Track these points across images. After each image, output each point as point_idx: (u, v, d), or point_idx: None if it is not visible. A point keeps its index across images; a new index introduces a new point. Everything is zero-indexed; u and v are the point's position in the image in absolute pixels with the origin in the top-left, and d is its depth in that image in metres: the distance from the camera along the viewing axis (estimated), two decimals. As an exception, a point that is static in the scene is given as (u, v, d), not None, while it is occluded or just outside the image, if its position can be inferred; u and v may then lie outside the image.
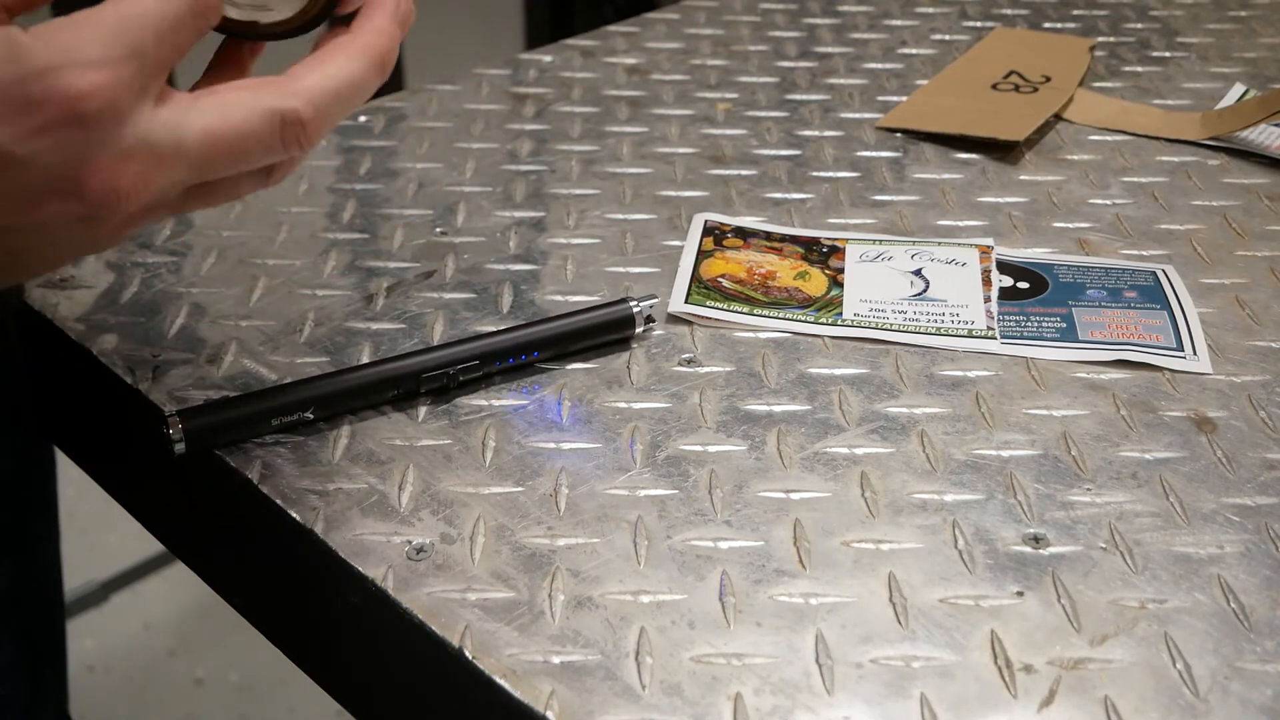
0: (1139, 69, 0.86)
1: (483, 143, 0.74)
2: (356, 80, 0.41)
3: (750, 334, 0.57)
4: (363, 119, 0.76)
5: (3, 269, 0.40)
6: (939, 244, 0.64)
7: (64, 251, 0.41)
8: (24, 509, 0.63)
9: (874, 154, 0.73)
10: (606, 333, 0.55)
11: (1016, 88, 0.81)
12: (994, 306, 0.59)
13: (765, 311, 0.58)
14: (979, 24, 0.93)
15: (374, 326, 0.56)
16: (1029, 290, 0.60)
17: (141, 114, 0.37)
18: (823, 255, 0.63)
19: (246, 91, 0.39)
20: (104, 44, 0.36)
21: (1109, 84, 0.83)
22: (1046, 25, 0.92)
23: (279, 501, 0.46)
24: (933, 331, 0.57)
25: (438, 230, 0.64)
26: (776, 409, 0.52)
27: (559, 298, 0.59)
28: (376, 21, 0.43)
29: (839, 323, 0.58)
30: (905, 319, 0.58)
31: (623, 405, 0.52)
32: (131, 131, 0.37)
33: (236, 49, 0.45)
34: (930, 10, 0.95)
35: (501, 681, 0.40)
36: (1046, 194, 0.69)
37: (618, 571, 0.44)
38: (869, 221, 0.66)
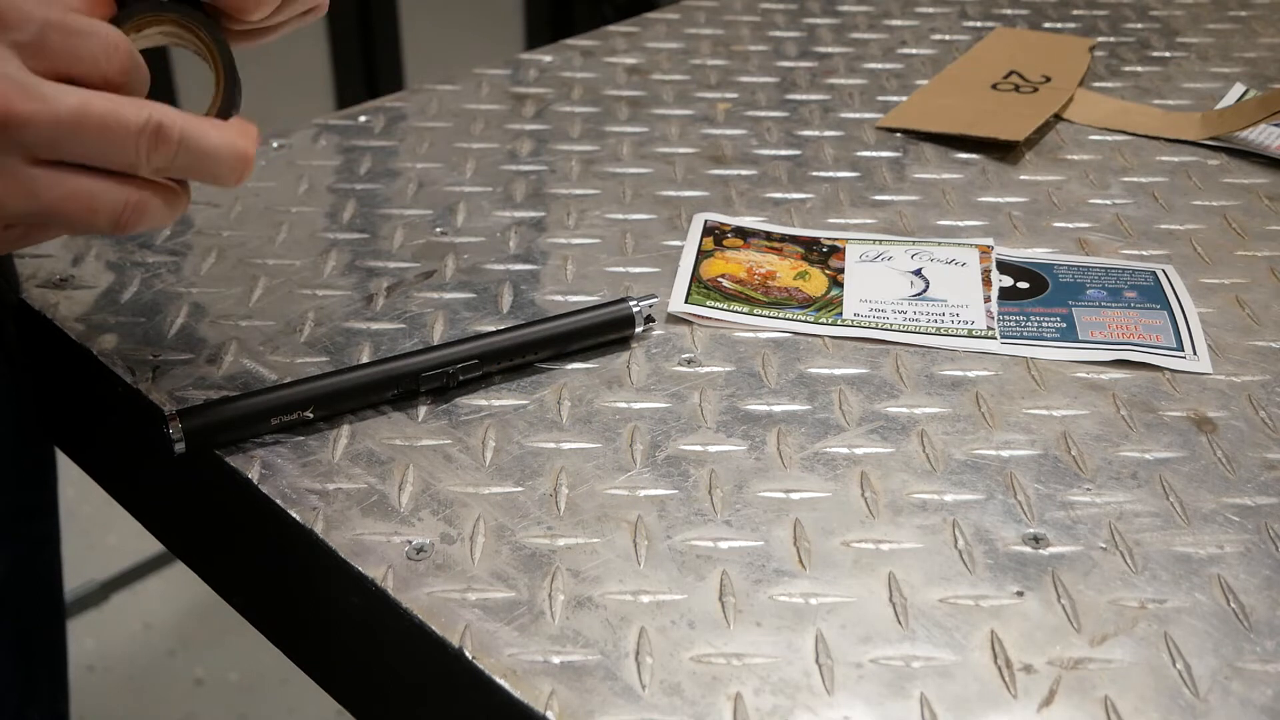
0: (1139, 69, 0.86)
1: (483, 143, 0.74)
2: (222, 155, 0.43)
3: (750, 334, 0.57)
4: (363, 119, 0.76)
5: None
6: (939, 244, 0.64)
7: None
8: (23, 509, 0.63)
9: (874, 154, 0.73)
10: (606, 333, 0.55)
11: (1016, 88, 0.81)
12: (994, 306, 0.59)
13: (765, 311, 0.58)
14: (979, 24, 0.93)
15: (374, 326, 0.56)
16: (1029, 290, 0.60)
17: (14, 62, 0.39)
18: (823, 255, 0.63)
19: (129, 103, 0.41)
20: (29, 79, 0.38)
21: (1109, 84, 0.83)
22: (1046, 25, 0.92)
23: (279, 501, 0.46)
24: (933, 331, 0.57)
25: (438, 230, 0.64)
26: (776, 409, 0.52)
27: (559, 298, 0.59)
28: (247, 132, 0.44)
29: (839, 323, 0.58)
30: (905, 319, 0.58)
31: (623, 405, 0.52)
32: (14, 69, 0.38)
33: None
34: (930, 10, 0.95)
35: (501, 681, 0.40)
36: (1046, 194, 0.69)
37: (618, 571, 0.44)
38: (869, 221, 0.66)
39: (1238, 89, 0.82)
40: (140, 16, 0.44)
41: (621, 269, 0.62)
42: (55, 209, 0.41)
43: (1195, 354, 0.56)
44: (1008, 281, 0.61)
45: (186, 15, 0.46)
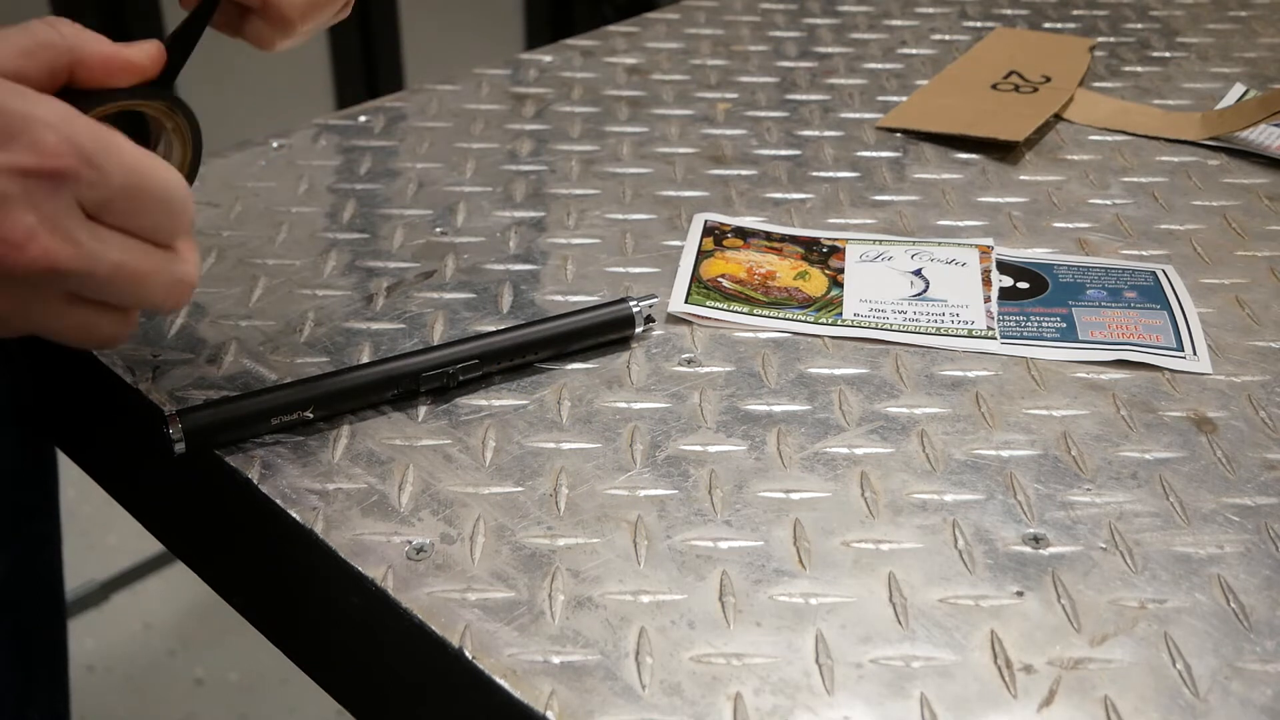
0: (1139, 69, 0.86)
1: (483, 143, 0.74)
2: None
3: (750, 334, 0.57)
4: (363, 119, 0.76)
5: None
6: (939, 244, 0.64)
7: None
8: (23, 509, 0.63)
9: (874, 154, 0.73)
10: (606, 333, 0.55)
11: (1016, 88, 0.81)
12: (994, 306, 0.59)
13: (765, 311, 0.58)
14: (979, 24, 0.93)
15: (374, 326, 0.56)
16: (1029, 290, 0.60)
17: (75, 207, 0.39)
18: (823, 255, 0.63)
19: (158, 250, 0.42)
20: (89, 139, 0.39)
21: (1109, 84, 0.83)
22: (1046, 25, 0.92)
23: (279, 501, 0.46)
24: (933, 331, 0.57)
25: (438, 230, 0.64)
26: (776, 409, 0.52)
27: (559, 298, 0.59)
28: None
29: (839, 323, 0.58)
30: (905, 319, 0.58)
31: (623, 405, 0.52)
32: (63, 214, 0.39)
33: None
34: (930, 10, 0.95)
35: (501, 681, 0.40)
36: (1046, 194, 0.69)
37: (618, 571, 0.44)
38: (869, 221, 0.66)
39: (1238, 89, 0.82)
40: (124, 101, 0.45)
41: (621, 269, 0.62)
42: (61, 334, 0.43)
43: (1195, 354, 0.56)
44: (1008, 281, 0.61)
45: (168, 102, 0.46)
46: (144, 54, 0.44)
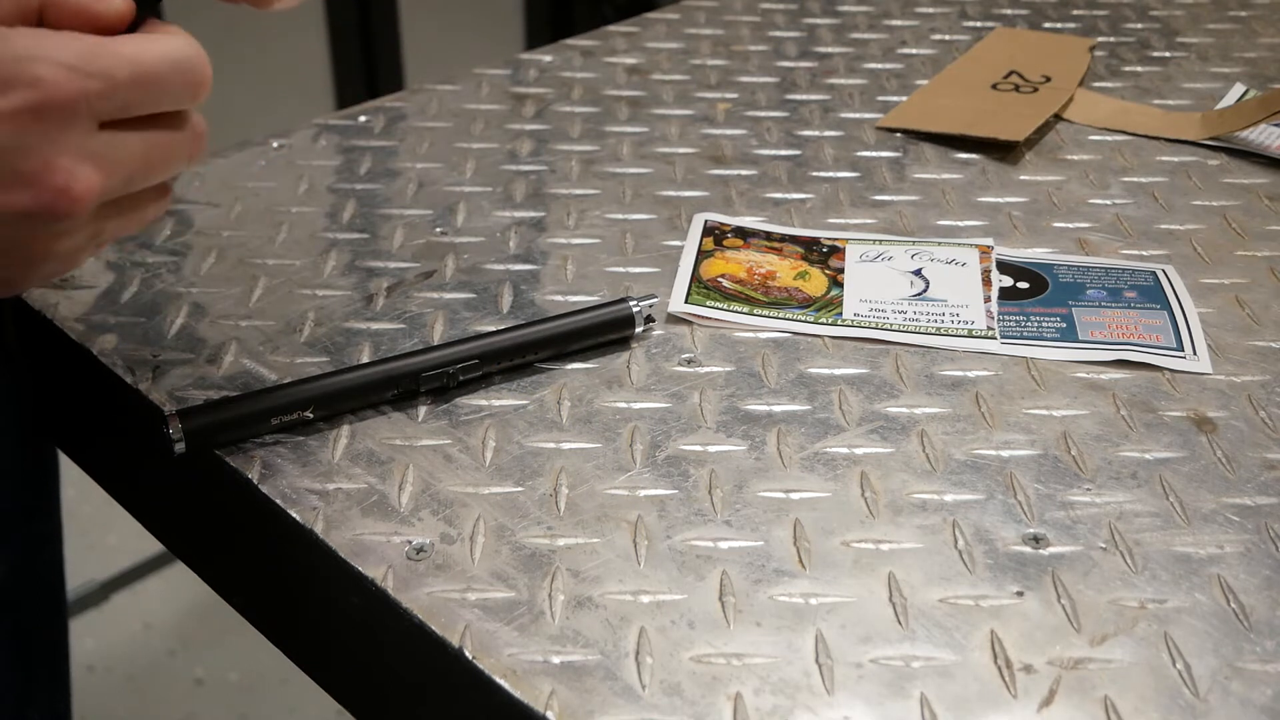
0: (1139, 69, 0.86)
1: (483, 143, 0.74)
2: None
3: (750, 334, 0.57)
4: (363, 119, 0.76)
5: None
6: (939, 244, 0.64)
7: (8, 251, 0.42)
8: (23, 509, 0.63)
9: (874, 154, 0.73)
10: (606, 333, 0.55)
11: (1016, 88, 0.81)
12: (994, 306, 0.59)
13: (765, 311, 0.58)
14: (979, 24, 0.93)
15: (374, 326, 0.56)
16: (1029, 290, 0.60)
17: (91, 127, 0.39)
18: (823, 255, 0.63)
19: (166, 119, 0.41)
20: (80, 56, 0.38)
21: (1109, 84, 0.83)
22: (1046, 25, 0.92)
23: (279, 501, 0.46)
24: (933, 331, 0.57)
25: (438, 230, 0.64)
26: (776, 409, 0.52)
27: (559, 298, 0.59)
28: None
29: (839, 323, 0.58)
30: (905, 319, 0.58)
31: (623, 405, 0.52)
32: (83, 138, 0.38)
33: None
34: (930, 10, 0.95)
35: (501, 681, 0.40)
36: (1046, 194, 0.69)
37: (618, 571, 0.44)
38: (869, 221, 0.66)
39: (1238, 89, 0.82)
40: None
41: (621, 269, 0.62)
42: (106, 241, 0.43)
43: (1195, 354, 0.56)
44: (1008, 281, 0.61)
45: None
46: (112, 9, 0.41)
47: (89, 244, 0.42)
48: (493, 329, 0.55)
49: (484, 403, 0.52)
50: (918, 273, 0.61)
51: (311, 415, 0.50)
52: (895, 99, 0.80)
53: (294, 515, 0.46)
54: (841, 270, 0.61)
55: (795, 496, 0.47)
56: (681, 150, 0.73)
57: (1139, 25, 0.93)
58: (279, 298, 0.58)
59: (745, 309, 0.58)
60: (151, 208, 0.44)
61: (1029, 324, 0.58)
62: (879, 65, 0.85)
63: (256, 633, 0.53)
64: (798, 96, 0.80)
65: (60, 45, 0.38)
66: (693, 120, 0.77)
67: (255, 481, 0.47)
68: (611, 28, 0.90)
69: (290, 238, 0.63)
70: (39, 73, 0.37)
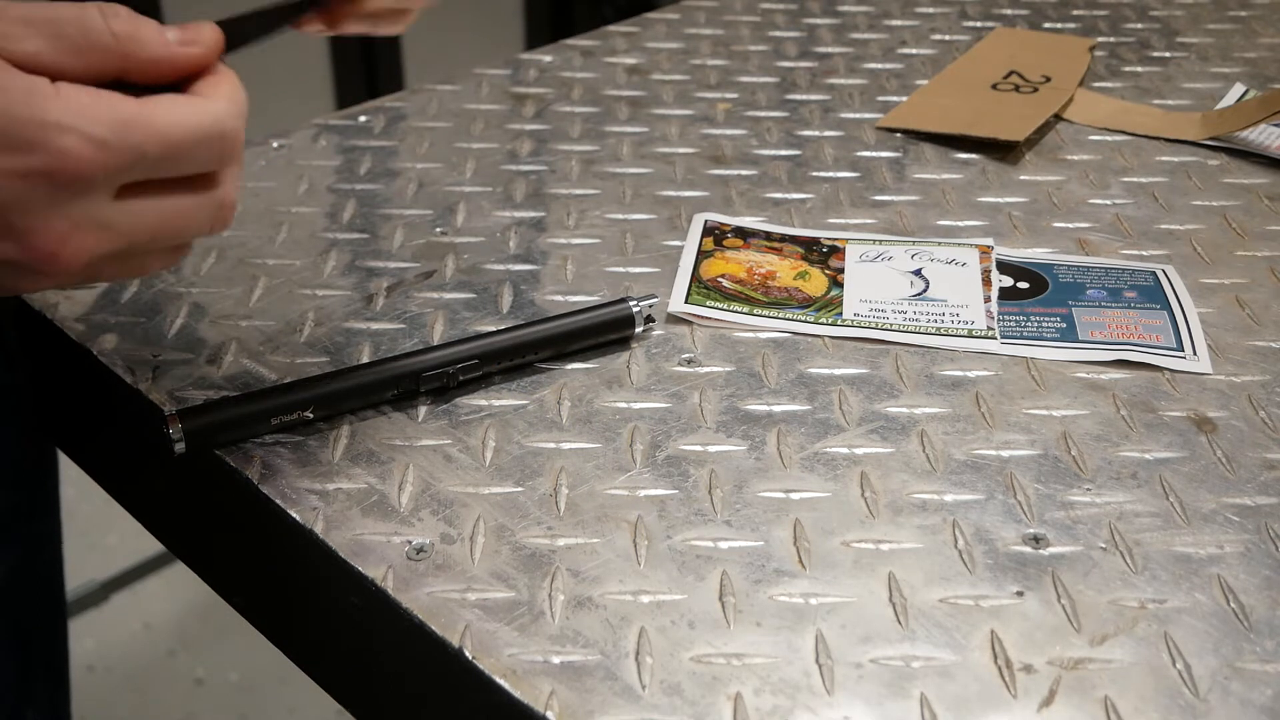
0: (1139, 69, 0.86)
1: (483, 143, 0.74)
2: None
3: (750, 334, 0.57)
4: (363, 119, 0.76)
5: None
6: (939, 244, 0.64)
7: None
8: (24, 509, 0.63)
9: (874, 154, 0.73)
10: (606, 332, 0.55)
11: (1016, 88, 0.81)
12: (994, 306, 0.59)
13: (765, 311, 0.58)
14: (979, 24, 0.93)
15: (374, 326, 0.56)
16: (1029, 290, 0.60)
17: (106, 197, 0.39)
18: (823, 255, 0.63)
19: (192, 187, 0.41)
20: (111, 127, 0.38)
21: (1109, 84, 0.83)
22: (1046, 25, 0.92)
23: (279, 501, 0.46)
24: (933, 331, 0.57)
25: (438, 230, 0.64)
26: (776, 409, 0.52)
27: (559, 298, 0.59)
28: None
29: (839, 323, 0.58)
30: (905, 319, 0.58)
31: (623, 405, 0.52)
32: (91, 207, 0.39)
33: None
34: (930, 10, 0.95)
35: (501, 681, 0.40)
36: (1046, 194, 0.69)
37: (618, 571, 0.44)
38: (869, 221, 0.66)
39: (1238, 89, 0.82)
40: None
41: (621, 269, 0.62)
42: (111, 279, 0.43)
43: (1195, 354, 0.56)
44: (1008, 281, 0.61)
45: None
46: (201, 56, 0.42)
47: (81, 283, 0.43)
48: (493, 329, 0.55)
49: (484, 403, 0.52)
50: (918, 273, 0.61)
51: (311, 415, 0.50)
52: (895, 99, 0.80)
53: (294, 515, 0.46)
54: (841, 270, 0.61)
55: (795, 496, 0.47)
56: (681, 150, 0.73)
57: (1139, 25, 0.93)
58: (279, 298, 0.58)
59: (745, 309, 0.58)
60: (156, 264, 0.43)
61: (1029, 324, 0.58)
62: (879, 65, 0.85)
63: (256, 633, 0.53)
64: (798, 96, 0.80)
65: (95, 116, 0.38)
66: (693, 120, 0.77)
67: (255, 481, 0.47)
68: (611, 28, 0.90)
69: (290, 238, 0.63)
70: (66, 144, 0.37)
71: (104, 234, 0.39)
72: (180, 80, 0.41)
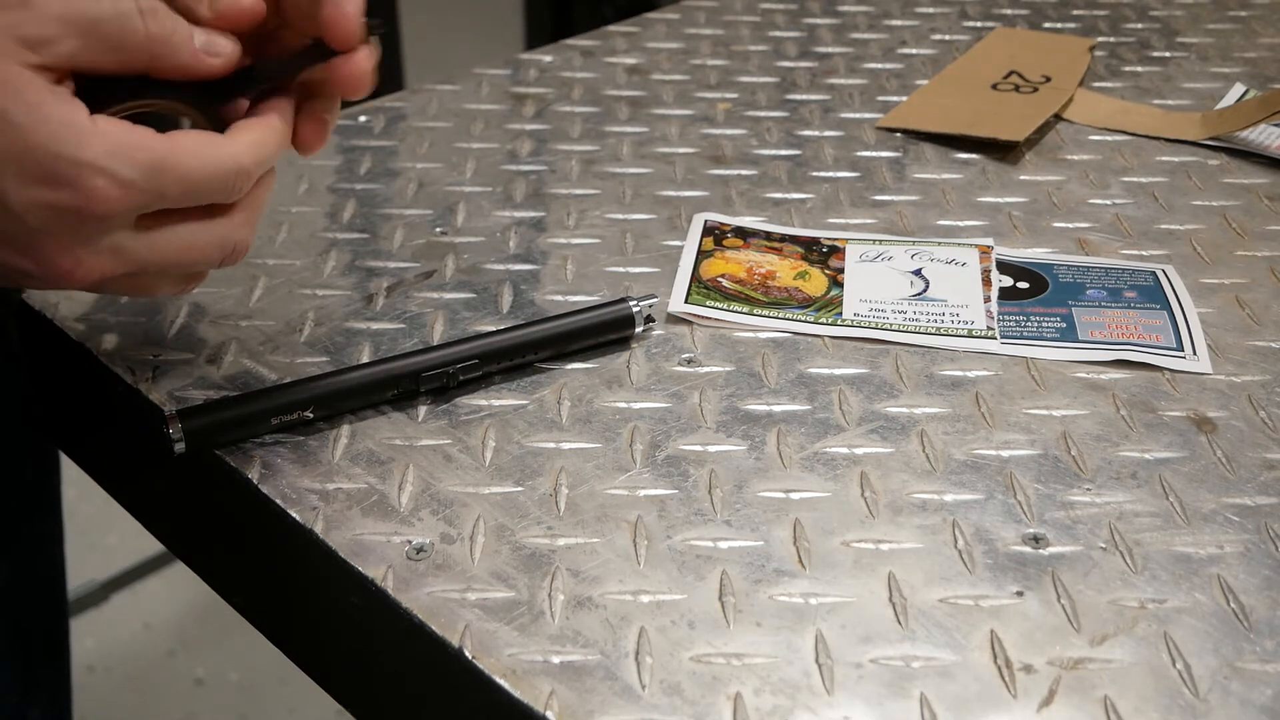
0: (1139, 69, 0.86)
1: (483, 143, 0.74)
2: (266, 204, 0.48)
3: (750, 334, 0.57)
4: (363, 119, 0.76)
5: None
6: (939, 244, 0.64)
7: None
8: (23, 509, 0.63)
9: (874, 154, 0.73)
10: (606, 332, 0.55)
11: (1016, 88, 0.81)
12: (994, 306, 0.59)
13: (765, 311, 0.58)
14: (979, 24, 0.93)
15: (374, 326, 0.56)
16: (1029, 290, 0.60)
17: (125, 228, 0.42)
18: (823, 255, 0.63)
19: (206, 223, 0.44)
20: (141, 170, 0.40)
21: (1109, 84, 0.83)
22: (1046, 25, 0.92)
23: (279, 501, 0.46)
24: (933, 331, 0.57)
25: (438, 230, 0.64)
26: (776, 409, 0.52)
27: (559, 298, 0.59)
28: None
29: (839, 323, 0.58)
30: (905, 319, 0.58)
31: (623, 405, 0.52)
32: (110, 236, 0.41)
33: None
34: (930, 10, 0.95)
35: (501, 681, 0.40)
36: (1046, 194, 0.69)
37: (618, 571, 0.44)
38: (869, 221, 0.66)
39: (1238, 89, 0.82)
40: (169, 102, 0.44)
41: (621, 269, 0.62)
42: (121, 294, 0.47)
43: (1195, 354, 0.56)
44: (1008, 281, 0.61)
45: (186, 98, 0.45)
46: (220, 67, 0.44)
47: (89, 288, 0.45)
48: (493, 329, 0.55)
49: (484, 403, 0.52)
50: (918, 273, 0.61)
51: (311, 415, 0.50)
52: (895, 99, 0.80)
53: (294, 515, 0.46)
54: (841, 270, 0.61)
55: (795, 496, 0.47)
56: (681, 150, 0.73)
57: (1139, 25, 0.93)
58: (279, 298, 0.58)
59: (745, 309, 0.58)
60: (166, 289, 0.47)
61: (1029, 324, 0.58)
62: (879, 65, 0.85)
63: (256, 633, 0.53)
64: (798, 96, 0.80)
65: (129, 159, 0.40)
66: (693, 120, 0.77)
67: (255, 481, 0.47)
68: (611, 28, 0.90)
69: (290, 238, 0.63)
70: (96, 185, 0.39)
71: (118, 259, 0.42)
72: (215, 96, 0.45)
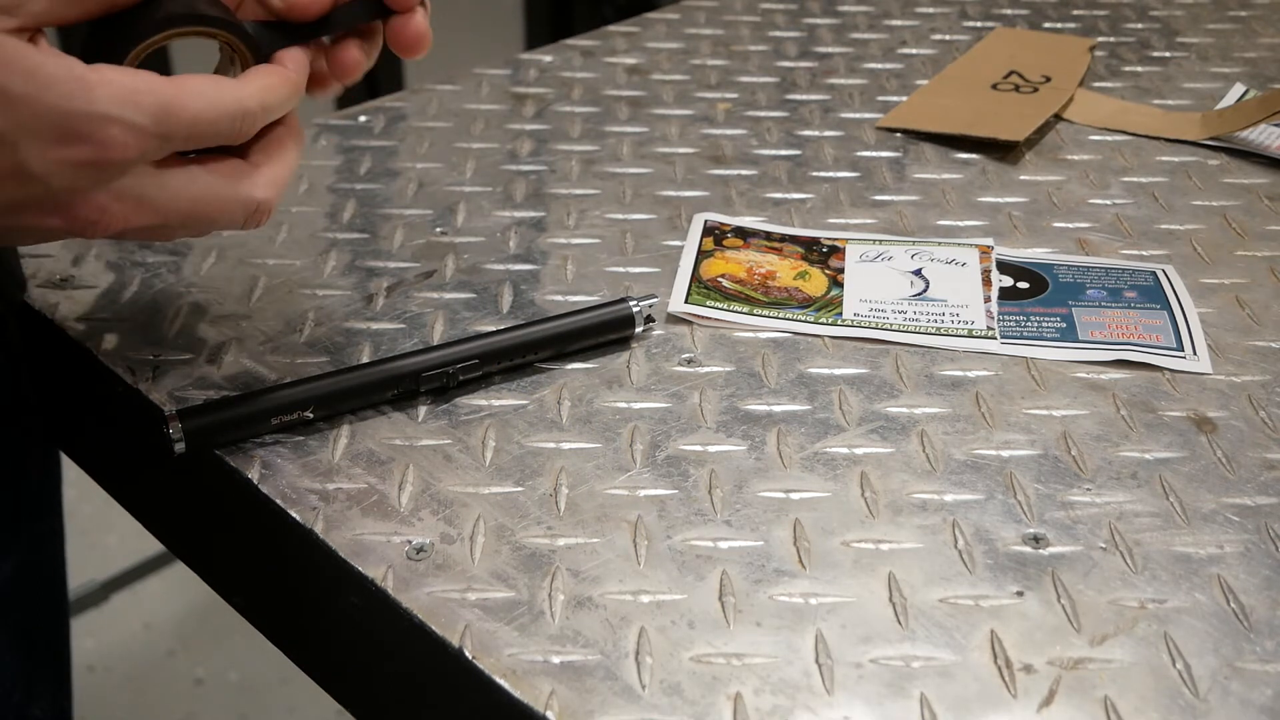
0: (1139, 69, 0.86)
1: (483, 143, 0.74)
2: (295, 166, 0.48)
3: (750, 334, 0.57)
4: (363, 119, 0.76)
5: None
6: (939, 244, 0.64)
7: (19, 241, 0.46)
8: (25, 508, 0.63)
9: (874, 154, 0.73)
10: (606, 332, 0.55)
11: (1016, 88, 0.81)
12: (994, 306, 0.59)
13: (765, 311, 0.58)
14: (979, 24, 0.93)
15: (374, 326, 0.56)
16: (1029, 290, 0.60)
17: (145, 169, 0.42)
18: (823, 255, 0.63)
19: (229, 178, 0.45)
20: (150, 114, 0.41)
21: (1109, 84, 0.83)
22: (1046, 25, 0.92)
23: (279, 501, 0.46)
24: (933, 331, 0.57)
25: (438, 230, 0.64)
26: (776, 409, 0.52)
27: (559, 298, 0.59)
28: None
29: (839, 323, 0.58)
30: (905, 319, 0.58)
31: (623, 405, 0.52)
32: (131, 181, 0.42)
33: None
34: (930, 10, 0.95)
35: (501, 681, 0.40)
36: (1046, 194, 0.69)
37: (618, 571, 0.44)
38: (869, 221, 0.66)
39: (1238, 89, 0.82)
40: (173, 30, 0.44)
41: (621, 269, 0.62)
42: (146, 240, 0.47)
43: (1195, 354, 0.56)
44: (1008, 281, 0.61)
45: (219, 24, 0.45)
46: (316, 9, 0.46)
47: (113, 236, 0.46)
48: (493, 329, 0.55)
49: (484, 403, 0.52)
50: (918, 273, 0.61)
51: (311, 415, 0.50)
52: (895, 99, 0.80)
53: (294, 515, 0.46)
54: (841, 270, 0.61)
55: (795, 496, 0.47)
56: (681, 150, 0.73)
57: (1139, 25, 0.93)
58: (279, 298, 0.58)
59: (745, 309, 0.58)
60: (188, 233, 0.47)
61: (1029, 324, 0.58)
62: (879, 65, 0.85)
63: (256, 633, 0.53)
64: (798, 96, 0.80)
65: (138, 104, 0.40)
66: (693, 120, 0.77)
67: (255, 481, 0.47)
68: (611, 28, 0.90)
69: (290, 238, 0.63)
70: (110, 134, 0.40)
71: (141, 207, 0.43)
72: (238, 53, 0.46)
